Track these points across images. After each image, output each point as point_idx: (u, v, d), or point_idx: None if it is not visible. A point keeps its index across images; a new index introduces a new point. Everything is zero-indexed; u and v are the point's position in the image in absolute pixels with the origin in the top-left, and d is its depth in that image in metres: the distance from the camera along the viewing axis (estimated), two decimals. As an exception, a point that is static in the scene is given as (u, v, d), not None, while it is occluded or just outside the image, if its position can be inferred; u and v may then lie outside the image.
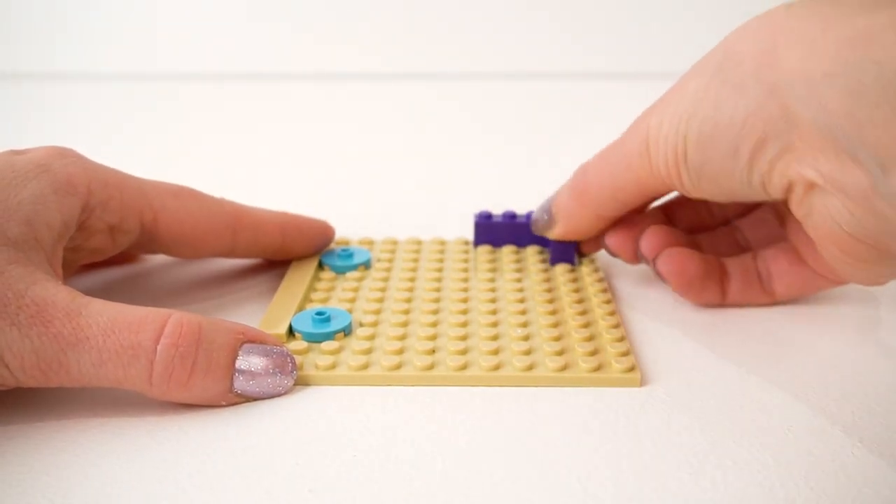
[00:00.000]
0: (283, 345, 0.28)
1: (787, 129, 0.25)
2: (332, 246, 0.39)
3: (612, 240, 0.35)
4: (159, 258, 0.39)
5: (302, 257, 0.37)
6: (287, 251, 0.36)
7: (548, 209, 0.35)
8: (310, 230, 0.37)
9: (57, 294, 0.25)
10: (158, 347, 0.25)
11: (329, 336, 0.30)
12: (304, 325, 0.31)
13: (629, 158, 0.31)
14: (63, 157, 0.29)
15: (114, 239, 0.31)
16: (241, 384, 0.26)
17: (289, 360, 0.28)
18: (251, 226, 0.34)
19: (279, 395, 0.27)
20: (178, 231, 0.32)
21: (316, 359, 0.29)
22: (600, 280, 0.36)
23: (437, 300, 0.34)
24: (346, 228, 0.41)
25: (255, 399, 0.27)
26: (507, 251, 0.39)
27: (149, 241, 0.32)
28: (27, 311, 0.24)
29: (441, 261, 0.38)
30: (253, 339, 0.27)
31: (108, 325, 0.25)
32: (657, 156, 0.29)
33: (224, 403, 0.27)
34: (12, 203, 0.27)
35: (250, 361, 0.27)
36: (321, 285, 0.35)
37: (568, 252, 0.37)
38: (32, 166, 0.28)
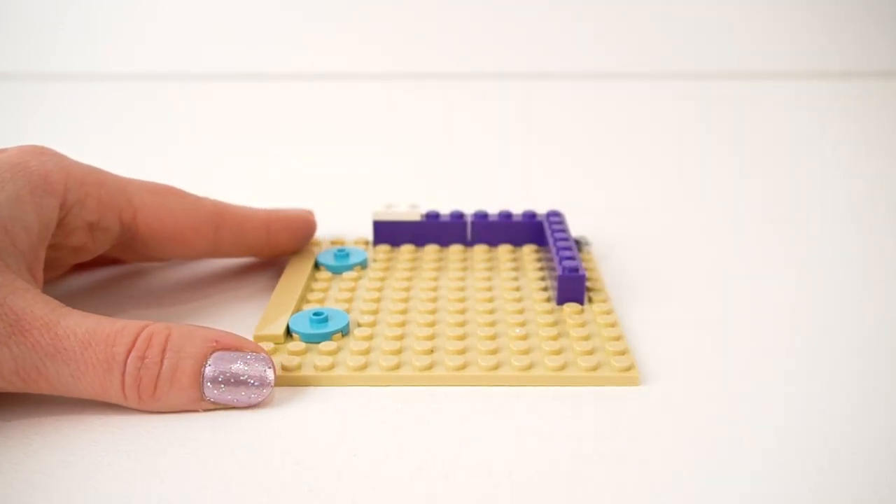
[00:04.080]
0: (264, 351, 0.27)
1: None
2: (328, 246, 0.39)
3: None
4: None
5: (288, 252, 0.37)
6: (273, 246, 0.36)
7: None
8: (294, 223, 0.36)
9: (35, 304, 0.25)
10: (128, 360, 0.25)
11: (327, 336, 0.30)
12: (302, 325, 0.31)
13: None
14: (40, 155, 0.29)
15: (94, 237, 0.31)
16: (210, 392, 0.26)
17: (266, 368, 0.27)
18: (234, 221, 0.34)
19: (254, 403, 0.27)
20: (158, 228, 0.32)
21: (314, 359, 0.29)
22: (598, 278, 0.36)
23: (434, 300, 0.34)
24: (342, 228, 0.41)
25: (231, 407, 0.27)
26: (504, 250, 0.39)
27: (130, 240, 0.32)
28: (5, 320, 0.24)
29: (438, 260, 0.38)
30: (227, 347, 0.27)
31: (85, 338, 0.25)
32: None
33: (200, 411, 0.26)
34: None
35: (220, 369, 0.26)
36: (318, 286, 0.35)
37: (577, 291, 0.33)
38: (7, 167, 0.28)
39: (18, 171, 0.28)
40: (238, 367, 0.26)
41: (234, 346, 0.27)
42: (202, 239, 0.33)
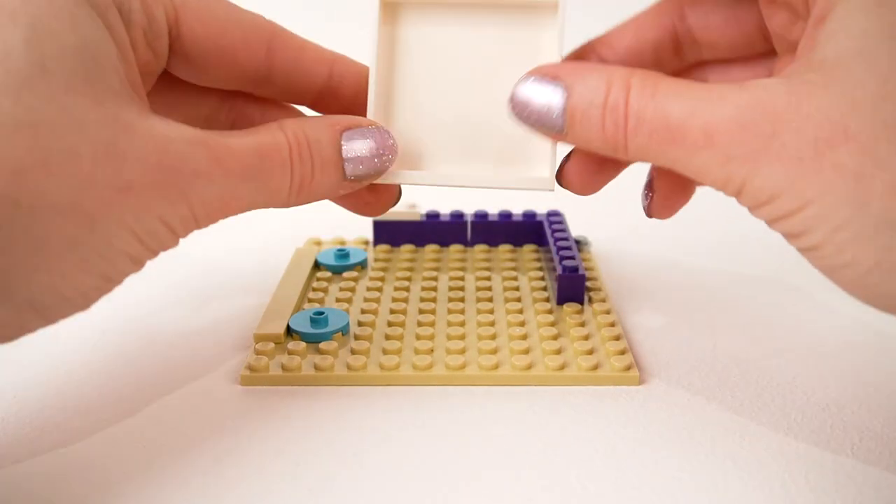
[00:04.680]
0: (375, 123, 0.27)
1: None
2: (329, 246, 0.39)
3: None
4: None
5: (344, 110, 0.29)
6: (332, 95, 0.29)
7: (562, 113, 0.25)
8: (362, 76, 0.29)
9: (208, 132, 0.24)
10: (293, 162, 0.25)
11: (327, 336, 0.30)
12: (302, 325, 0.31)
13: (718, 167, 0.22)
14: None
15: (154, 49, 0.26)
16: (351, 170, 0.27)
17: (388, 136, 0.27)
18: (292, 46, 0.28)
19: (385, 169, 0.27)
20: (202, 34, 0.26)
21: (314, 359, 0.29)
22: (596, 278, 0.36)
23: (434, 299, 0.34)
24: (342, 228, 0.41)
25: (366, 180, 0.27)
26: (503, 250, 0.39)
27: (172, 52, 0.27)
28: (203, 153, 0.23)
29: (437, 260, 0.38)
30: (349, 126, 0.27)
31: (259, 151, 0.25)
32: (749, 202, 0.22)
33: (342, 192, 0.27)
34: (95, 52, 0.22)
35: (354, 148, 0.27)
36: (318, 285, 0.35)
37: (577, 290, 0.33)
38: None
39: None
40: (366, 141, 0.27)
41: (353, 124, 0.27)
42: (252, 57, 0.28)
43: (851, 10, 0.22)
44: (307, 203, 0.27)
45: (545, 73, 0.25)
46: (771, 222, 0.22)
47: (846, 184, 0.20)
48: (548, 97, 0.25)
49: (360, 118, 0.27)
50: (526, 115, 0.26)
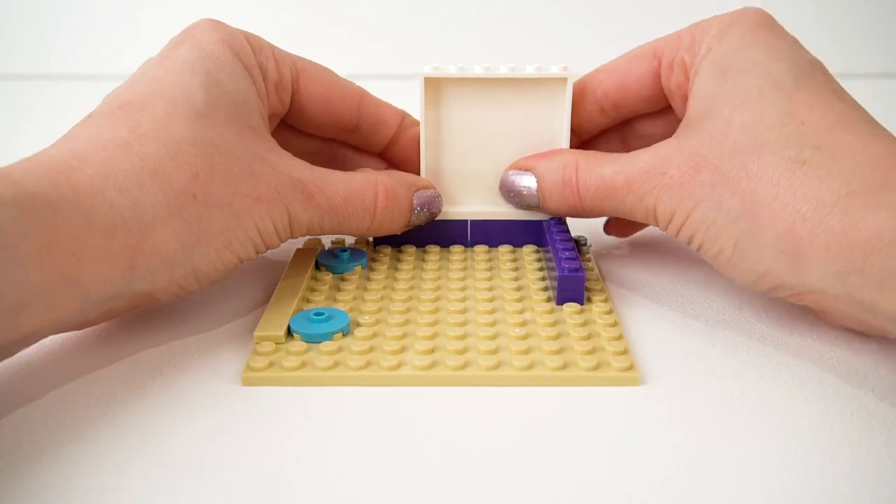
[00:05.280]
0: (433, 186, 0.37)
1: (803, 289, 0.29)
2: (329, 246, 0.39)
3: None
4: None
5: (402, 167, 0.40)
6: (398, 151, 0.39)
7: (534, 191, 0.36)
8: (416, 133, 0.39)
9: (305, 170, 0.33)
10: (377, 207, 0.34)
11: (328, 336, 0.30)
12: (303, 325, 0.31)
13: (638, 202, 0.32)
14: (219, 30, 0.33)
15: (280, 99, 0.35)
16: (414, 218, 0.36)
17: (440, 197, 0.37)
18: (374, 105, 0.38)
19: (434, 217, 0.37)
20: (314, 92, 0.36)
21: (315, 359, 0.29)
22: (597, 279, 0.36)
23: (434, 300, 0.34)
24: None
25: (420, 224, 0.37)
26: (504, 250, 0.39)
27: (292, 103, 0.36)
28: (301, 191, 0.32)
29: (438, 260, 0.38)
30: (420, 187, 0.37)
31: (345, 196, 0.33)
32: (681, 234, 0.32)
33: (401, 231, 0.37)
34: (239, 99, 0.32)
35: (420, 203, 0.36)
36: (319, 285, 0.35)
37: (577, 291, 0.33)
38: (210, 49, 0.32)
39: (223, 54, 0.32)
40: (427, 199, 0.37)
41: (421, 186, 0.37)
42: (348, 111, 0.37)
43: (703, 82, 0.32)
44: (383, 234, 0.36)
45: (521, 166, 0.37)
46: (676, 234, 0.32)
47: (709, 193, 0.30)
48: (526, 182, 0.37)
49: (426, 180, 0.37)
50: (512, 196, 0.37)
